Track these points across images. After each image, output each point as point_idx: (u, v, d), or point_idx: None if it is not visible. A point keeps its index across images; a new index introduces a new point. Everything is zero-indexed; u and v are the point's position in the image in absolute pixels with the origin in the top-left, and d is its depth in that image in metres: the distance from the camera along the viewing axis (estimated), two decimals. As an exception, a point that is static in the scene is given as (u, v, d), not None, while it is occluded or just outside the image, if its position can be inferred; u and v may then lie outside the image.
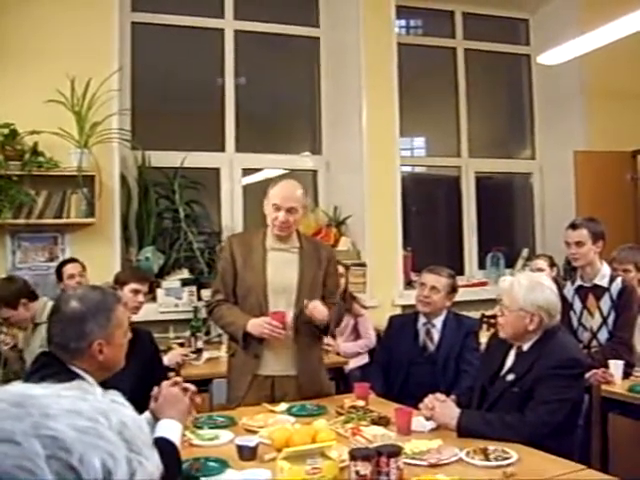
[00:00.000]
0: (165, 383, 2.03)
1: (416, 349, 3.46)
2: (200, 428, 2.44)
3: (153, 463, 0.64)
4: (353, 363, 4.09)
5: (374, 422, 2.46)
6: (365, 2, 5.06)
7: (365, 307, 4.40)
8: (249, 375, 2.90)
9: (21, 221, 4.07)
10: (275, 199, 2.88)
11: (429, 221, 6.09)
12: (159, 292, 4.48)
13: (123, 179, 4.57)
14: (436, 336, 3.46)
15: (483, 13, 5.88)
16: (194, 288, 4.54)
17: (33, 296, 3.46)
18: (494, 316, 3.43)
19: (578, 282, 3.58)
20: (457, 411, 2.40)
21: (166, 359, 3.46)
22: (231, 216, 5.04)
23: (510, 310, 2.49)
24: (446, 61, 5.87)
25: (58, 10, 4.25)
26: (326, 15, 5.37)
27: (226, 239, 3.47)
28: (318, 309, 2.84)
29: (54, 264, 4.10)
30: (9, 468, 0.55)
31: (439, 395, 2.48)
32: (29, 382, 0.68)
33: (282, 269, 2.93)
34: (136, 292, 3.34)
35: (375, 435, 2.26)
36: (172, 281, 4.54)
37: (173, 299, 4.49)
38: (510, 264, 5.66)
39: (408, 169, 5.78)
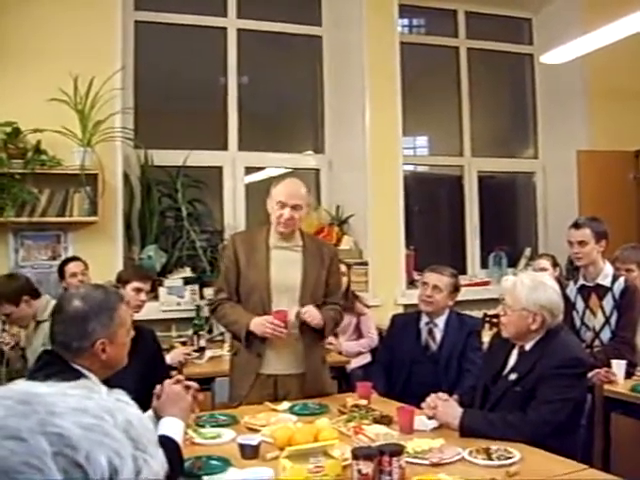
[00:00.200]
0: (167, 381, 2.03)
1: (418, 348, 3.45)
2: (202, 426, 2.44)
3: (158, 461, 0.64)
4: (355, 362, 4.09)
5: (376, 421, 2.46)
6: (368, 1, 5.05)
7: (367, 306, 4.40)
8: (252, 374, 2.90)
9: (24, 219, 4.07)
10: (280, 196, 2.88)
11: (431, 220, 6.09)
12: (161, 291, 4.48)
13: (126, 178, 4.58)
14: (438, 335, 3.45)
15: (486, 12, 5.86)
16: (196, 287, 4.54)
17: (35, 293, 3.44)
18: (497, 315, 3.43)
19: (581, 282, 3.57)
20: (459, 410, 2.40)
21: (168, 358, 3.46)
22: (234, 215, 5.04)
23: (513, 309, 2.49)
24: (449, 60, 5.86)
25: (60, 9, 4.25)
26: (329, 14, 5.37)
27: (229, 237, 3.46)
28: (309, 313, 2.84)
29: (56, 262, 4.10)
30: (17, 465, 0.55)
31: (441, 394, 2.48)
32: (33, 380, 0.68)
33: (285, 268, 2.92)
34: (138, 291, 3.34)
35: (377, 434, 2.26)
36: (174, 280, 4.54)
37: (175, 298, 4.49)
38: (513, 263, 5.64)
39: (411, 168, 5.77)
